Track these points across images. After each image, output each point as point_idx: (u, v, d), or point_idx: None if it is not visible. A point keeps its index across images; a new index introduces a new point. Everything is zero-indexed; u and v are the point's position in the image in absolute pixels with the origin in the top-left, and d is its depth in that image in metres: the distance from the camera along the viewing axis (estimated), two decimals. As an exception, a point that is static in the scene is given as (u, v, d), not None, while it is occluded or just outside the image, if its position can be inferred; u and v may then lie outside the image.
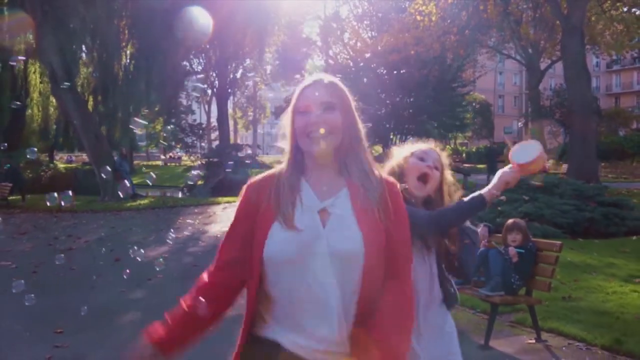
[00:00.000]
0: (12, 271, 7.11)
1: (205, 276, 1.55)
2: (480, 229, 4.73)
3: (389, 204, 1.48)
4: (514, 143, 2.16)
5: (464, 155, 44.97)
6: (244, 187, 1.57)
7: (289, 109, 1.55)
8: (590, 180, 15.98)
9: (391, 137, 26.91)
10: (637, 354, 3.99)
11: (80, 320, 4.89)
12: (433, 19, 19.01)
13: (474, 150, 46.37)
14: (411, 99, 24.17)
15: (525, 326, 4.75)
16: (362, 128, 1.55)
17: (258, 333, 1.49)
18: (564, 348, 4.27)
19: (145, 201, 16.69)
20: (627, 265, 6.96)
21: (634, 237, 9.32)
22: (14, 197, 17.66)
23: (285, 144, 1.56)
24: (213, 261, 1.54)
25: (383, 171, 1.61)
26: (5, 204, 16.59)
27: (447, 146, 47.16)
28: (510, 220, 4.57)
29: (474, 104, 47.50)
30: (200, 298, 1.50)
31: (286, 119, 1.55)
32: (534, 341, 4.41)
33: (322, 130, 1.46)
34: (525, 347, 4.32)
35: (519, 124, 50.05)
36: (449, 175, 2.23)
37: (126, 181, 17.16)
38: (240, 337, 1.50)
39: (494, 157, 24.48)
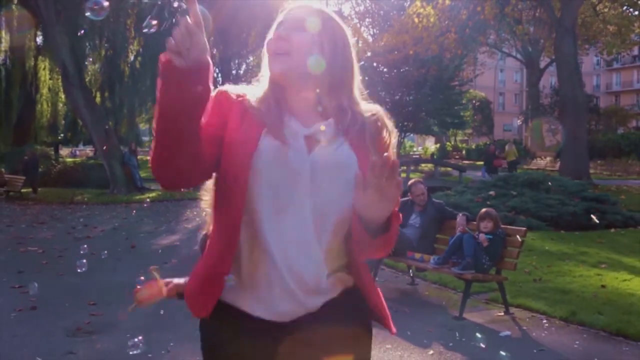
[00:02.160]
0: (40, 255, 7.82)
1: None
2: (459, 218, 5.47)
3: (375, 140, 1.35)
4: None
5: (463, 152, 45.57)
6: (216, 91, 1.34)
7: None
8: (581, 177, 16.68)
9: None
10: (587, 322, 4.69)
11: (109, 295, 5.61)
12: (431, 20, 19.63)
13: (473, 147, 47.00)
14: (410, 97, 24.82)
15: (497, 303, 5.43)
16: (355, 65, 1.40)
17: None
18: (527, 319, 4.97)
19: (153, 194, 17.39)
20: (598, 254, 7.65)
21: (612, 230, 10.00)
22: (26, 190, 18.37)
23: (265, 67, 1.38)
24: None
25: (375, 106, 1.43)
26: (18, 196, 17.32)
27: (448, 143, 47.87)
28: (483, 210, 5.28)
29: (473, 102, 48.11)
30: None
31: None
32: (502, 314, 5.11)
33: (278, 48, 1.31)
34: (494, 319, 5.02)
35: (518, 121, 50.61)
36: None
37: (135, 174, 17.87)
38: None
39: (494, 155, 25.26)
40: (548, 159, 34.19)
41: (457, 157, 43.22)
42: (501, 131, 53.50)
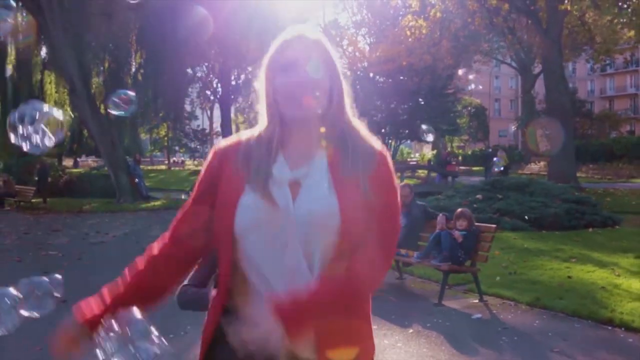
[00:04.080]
0: (60, 258, 8.53)
1: (156, 247, 1.39)
2: (439, 217, 6.19)
3: (376, 176, 1.32)
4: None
5: (460, 158, 46.37)
6: (210, 153, 1.40)
7: (265, 65, 1.35)
8: (569, 181, 17.42)
9: (389, 140, 28.42)
10: (549, 306, 5.41)
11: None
12: (423, 31, 20.44)
13: (469, 153, 47.78)
14: (405, 106, 25.67)
15: (474, 293, 6.13)
16: (347, 92, 1.37)
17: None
18: (498, 305, 5.68)
19: (158, 202, 18.10)
20: (572, 250, 8.35)
21: (590, 229, 10.71)
22: (36, 200, 19.08)
23: (261, 107, 1.37)
24: (168, 232, 1.40)
25: (376, 141, 1.40)
26: (29, 206, 18.01)
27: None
28: (458, 210, 6.00)
29: (469, 108, 49.00)
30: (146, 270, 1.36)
31: (261, 76, 1.36)
32: (477, 301, 5.82)
33: (311, 94, 1.28)
34: (469, 305, 5.73)
35: (513, 127, 51.40)
36: None
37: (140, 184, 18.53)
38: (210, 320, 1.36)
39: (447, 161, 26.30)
40: (542, 163, 34.94)
41: (453, 162, 43.92)
42: (497, 137, 54.25)
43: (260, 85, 1.36)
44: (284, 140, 1.34)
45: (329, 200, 1.26)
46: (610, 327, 4.78)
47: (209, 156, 1.39)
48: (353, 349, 1.28)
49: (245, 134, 1.40)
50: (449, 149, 26.79)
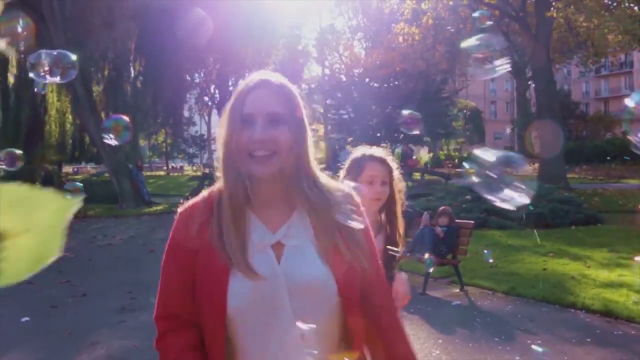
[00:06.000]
0: (72, 259, 9.01)
1: (171, 345, 1.28)
2: (424, 215, 6.76)
3: (352, 227, 1.24)
4: None
5: (456, 160, 46.94)
6: (177, 218, 1.29)
7: (227, 111, 1.25)
8: (559, 182, 17.97)
9: (383, 144, 29.04)
10: (522, 294, 5.97)
11: (140, 286, 6.88)
12: (416, 38, 21.05)
13: (465, 155, 48.31)
14: (400, 110, 26.31)
15: (456, 284, 6.69)
16: (310, 139, 1.28)
17: None
18: (477, 294, 6.24)
19: (160, 207, 18.63)
20: (552, 246, 8.92)
21: (573, 227, 11.28)
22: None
23: (219, 158, 1.27)
24: (160, 320, 1.32)
25: (339, 183, 1.35)
26: (34, 211, 18.52)
27: (441, 152, 49.35)
28: (440, 208, 6.57)
29: (464, 111, 49.69)
30: None
31: (224, 123, 1.25)
32: (458, 290, 6.37)
33: (263, 151, 1.19)
34: (451, 294, 6.29)
35: (508, 130, 52.04)
36: (396, 176, 2.13)
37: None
38: None
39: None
40: (536, 165, 35.48)
41: (450, 165, 44.53)
42: (492, 139, 54.88)
43: (220, 133, 1.26)
44: (254, 199, 1.25)
45: (320, 268, 1.21)
46: (573, 310, 5.35)
47: (176, 221, 1.29)
48: (354, 353, 1.24)
49: (210, 193, 1.30)
50: (410, 145, 27.12)
